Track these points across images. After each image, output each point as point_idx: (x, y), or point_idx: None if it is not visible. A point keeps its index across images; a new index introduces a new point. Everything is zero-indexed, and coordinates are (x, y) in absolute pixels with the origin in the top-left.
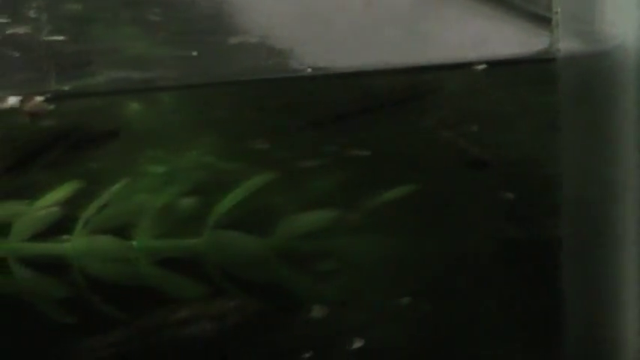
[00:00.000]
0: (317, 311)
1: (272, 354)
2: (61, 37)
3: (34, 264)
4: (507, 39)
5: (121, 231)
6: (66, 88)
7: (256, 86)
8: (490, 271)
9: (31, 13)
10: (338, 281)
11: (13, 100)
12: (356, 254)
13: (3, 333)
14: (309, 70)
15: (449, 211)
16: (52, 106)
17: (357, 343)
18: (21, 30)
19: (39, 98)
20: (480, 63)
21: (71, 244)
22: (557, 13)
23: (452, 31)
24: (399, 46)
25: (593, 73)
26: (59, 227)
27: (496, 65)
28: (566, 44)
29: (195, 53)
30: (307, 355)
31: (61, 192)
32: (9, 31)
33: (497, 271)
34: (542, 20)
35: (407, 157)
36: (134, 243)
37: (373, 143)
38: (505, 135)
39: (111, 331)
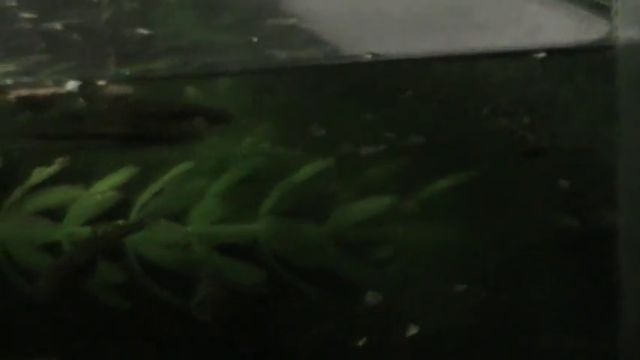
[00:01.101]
0: (372, 298)
1: (326, 341)
2: (121, 21)
3: None
4: (564, 26)
5: (177, 216)
6: (127, 72)
7: (315, 72)
8: (545, 259)
9: None
10: (394, 268)
11: (72, 85)
12: (412, 242)
13: (57, 319)
14: (369, 56)
15: (504, 200)
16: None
17: (412, 330)
18: (83, 14)
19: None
20: (538, 51)
21: None
22: (617, 0)
23: (507, 18)
24: (454, 34)
25: None
26: (115, 212)
27: (554, 53)
28: (626, 32)
29: (255, 39)
30: (361, 342)
31: (118, 176)
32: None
33: (553, 260)
34: (601, 8)
35: (464, 145)
36: (190, 229)
37: (430, 130)
38: (562, 123)
39: (166, 317)
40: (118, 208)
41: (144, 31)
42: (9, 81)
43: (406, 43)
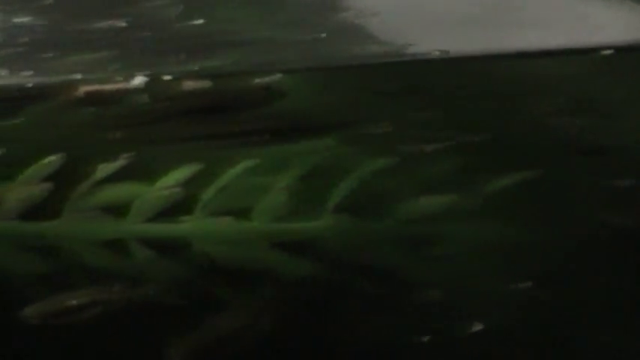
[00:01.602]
0: (433, 295)
1: (389, 338)
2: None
3: (153, 244)
4: (626, 24)
5: (240, 213)
6: (195, 68)
7: (378, 69)
8: (604, 257)
9: None
10: (454, 266)
11: (139, 80)
12: (473, 239)
13: (122, 314)
14: (437, 53)
15: (563, 198)
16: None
17: (474, 328)
18: (150, 10)
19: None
20: (603, 49)
21: (190, 225)
22: None
23: (568, 15)
24: (516, 31)
25: None
26: (179, 208)
27: (619, 51)
28: None
29: (320, 36)
30: (425, 339)
31: (182, 172)
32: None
33: (611, 258)
34: None
35: (524, 143)
36: (253, 225)
37: (491, 128)
38: (622, 122)
39: (226, 314)
40: (182, 205)
41: (210, 27)
42: (78, 76)
43: (460, 40)
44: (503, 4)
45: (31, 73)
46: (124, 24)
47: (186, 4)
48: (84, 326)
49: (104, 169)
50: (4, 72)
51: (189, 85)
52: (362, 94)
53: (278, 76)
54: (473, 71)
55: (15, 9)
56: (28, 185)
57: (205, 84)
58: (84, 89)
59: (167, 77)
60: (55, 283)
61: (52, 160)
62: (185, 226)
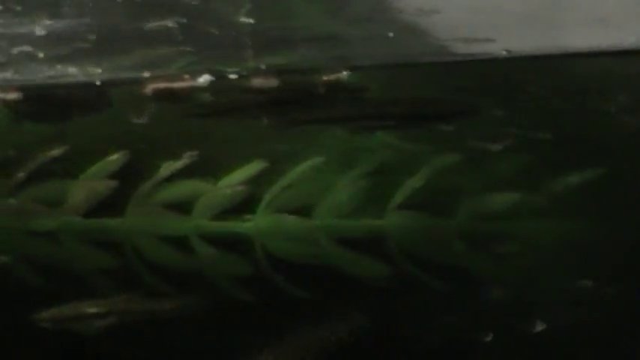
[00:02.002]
0: (500, 293)
1: (452, 335)
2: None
3: (216, 242)
4: None
5: (304, 210)
6: (262, 66)
7: (446, 68)
8: None
9: None
10: (520, 264)
11: (205, 78)
12: (539, 237)
13: (184, 310)
14: (504, 52)
15: (630, 196)
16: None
17: (541, 325)
18: (219, 8)
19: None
20: None
21: (254, 223)
22: None
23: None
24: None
25: None
26: (243, 206)
27: None
28: None
29: (391, 34)
30: (491, 336)
31: (247, 170)
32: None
33: None
34: None
35: (591, 141)
36: (317, 222)
37: (558, 126)
38: None
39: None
40: (246, 202)
41: (278, 24)
42: (146, 74)
43: (524, 39)
44: (560, 2)
45: (99, 70)
46: (188, 21)
47: (254, 1)
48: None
49: (168, 167)
50: (72, 69)
51: (256, 82)
52: (429, 92)
53: (345, 73)
54: (539, 69)
55: (76, 9)
56: (93, 182)
57: (273, 81)
58: (152, 86)
59: (233, 75)
60: (118, 279)
61: (117, 158)
62: (249, 223)
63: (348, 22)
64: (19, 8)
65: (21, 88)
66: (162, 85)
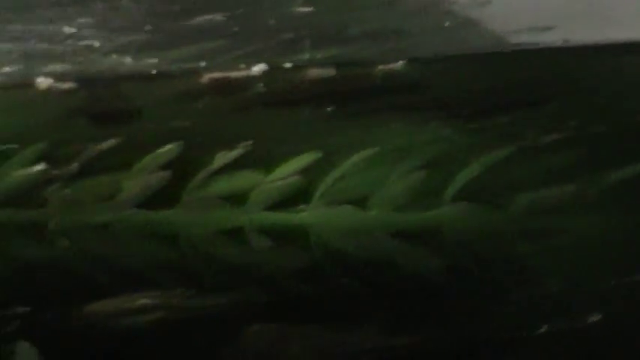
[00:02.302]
0: (552, 286)
1: (507, 328)
2: (313, 7)
3: (271, 234)
4: None
5: (358, 202)
6: (318, 57)
7: (502, 59)
8: None
9: None
10: (574, 256)
11: (258, 69)
12: (593, 230)
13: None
14: (560, 42)
15: None
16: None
17: (592, 318)
18: None
19: None
20: None
21: (309, 214)
22: None
23: None
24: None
25: None
26: (297, 197)
27: None
28: None
29: (447, 24)
30: (542, 329)
31: (300, 161)
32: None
33: None
34: None
35: None
36: (372, 214)
37: (611, 119)
38: None
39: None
40: (300, 193)
41: (335, 15)
42: (202, 64)
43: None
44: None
45: (155, 61)
46: (244, 12)
47: None
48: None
49: (222, 158)
50: (127, 60)
51: (311, 73)
52: (485, 84)
53: (401, 64)
54: (596, 60)
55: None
56: (146, 173)
57: (328, 72)
58: (208, 76)
59: (288, 65)
60: (172, 272)
61: (170, 149)
62: (303, 215)
63: (403, 14)
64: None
65: (77, 79)
66: (217, 75)
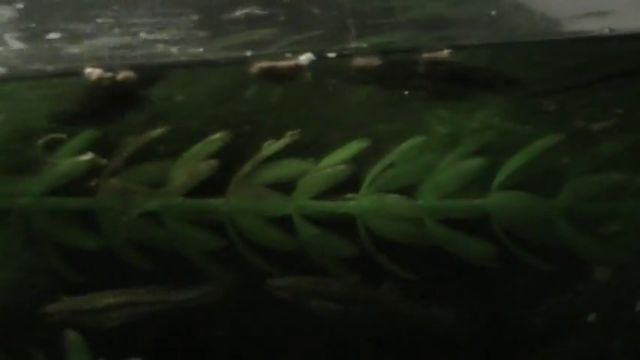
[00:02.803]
0: (601, 273)
1: (556, 316)
2: None
3: (319, 222)
4: None
5: (406, 190)
6: (364, 45)
7: (550, 46)
8: None
9: None
10: (624, 244)
11: (305, 58)
12: None
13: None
14: (607, 30)
15: None
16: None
17: None
18: None
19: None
20: None
21: (357, 203)
22: None
23: None
24: None
25: None
26: (345, 186)
27: None
28: None
29: (493, 13)
30: (591, 317)
31: (348, 150)
32: None
33: None
34: None
35: None
36: (420, 203)
37: None
38: None
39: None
40: (349, 182)
41: (380, 4)
42: (249, 53)
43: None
44: None
45: (200, 50)
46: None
47: None
48: None
49: (270, 147)
50: (174, 49)
51: (358, 61)
52: (532, 71)
53: (448, 52)
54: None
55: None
56: (195, 162)
57: (375, 61)
58: (257, 65)
59: (334, 54)
60: (222, 260)
61: (219, 137)
62: (351, 203)
63: (449, 2)
64: None
65: (131, 67)
66: (266, 64)
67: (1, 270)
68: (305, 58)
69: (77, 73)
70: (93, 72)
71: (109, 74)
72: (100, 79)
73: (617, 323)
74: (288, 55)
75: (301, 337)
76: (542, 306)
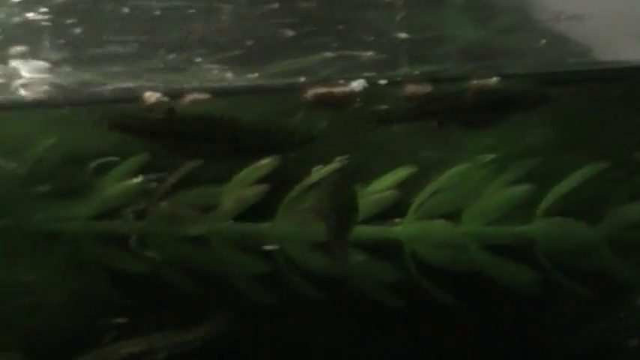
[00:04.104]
0: None
1: (598, 342)
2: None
3: (366, 247)
4: None
5: (452, 216)
6: (416, 72)
7: (592, 76)
8: None
9: None
10: None
11: (357, 84)
12: None
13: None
14: None
15: None
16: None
17: None
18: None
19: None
20: None
21: (403, 228)
22: None
23: None
24: None
25: None
26: (392, 211)
27: None
28: None
29: (540, 42)
30: (634, 343)
31: (395, 175)
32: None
33: None
34: None
35: None
36: (464, 229)
37: None
38: None
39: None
40: (395, 207)
41: (430, 33)
42: (302, 79)
43: None
44: None
45: (255, 75)
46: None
47: (408, 9)
48: None
49: (318, 172)
50: (229, 75)
51: (408, 89)
52: (577, 100)
53: (495, 80)
54: None
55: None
56: (244, 186)
57: (424, 88)
58: (312, 92)
59: (384, 81)
60: (269, 285)
61: (268, 162)
62: (398, 228)
63: (495, 31)
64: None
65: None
66: (321, 90)
67: (50, 293)
68: (357, 84)
69: (135, 98)
70: (152, 95)
71: (165, 98)
72: (157, 103)
73: None
74: (341, 81)
75: None
76: (583, 332)
